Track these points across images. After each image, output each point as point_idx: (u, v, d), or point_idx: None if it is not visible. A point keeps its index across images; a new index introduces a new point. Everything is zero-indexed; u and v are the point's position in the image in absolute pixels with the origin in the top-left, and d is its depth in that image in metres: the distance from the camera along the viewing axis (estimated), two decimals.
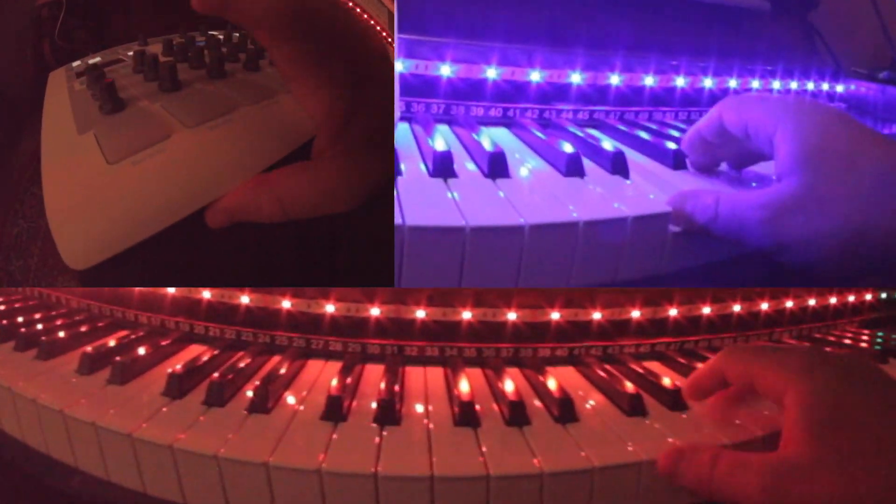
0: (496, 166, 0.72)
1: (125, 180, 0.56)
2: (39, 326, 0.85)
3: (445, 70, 0.94)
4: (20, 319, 0.88)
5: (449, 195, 0.65)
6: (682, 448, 0.54)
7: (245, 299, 0.80)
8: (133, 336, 0.81)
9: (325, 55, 0.58)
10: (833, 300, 1.01)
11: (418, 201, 0.62)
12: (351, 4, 1.23)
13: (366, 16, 1.24)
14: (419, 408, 0.66)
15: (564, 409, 0.63)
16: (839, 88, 1.33)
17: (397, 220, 0.58)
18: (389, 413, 0.62)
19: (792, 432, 0.49)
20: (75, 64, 0.87)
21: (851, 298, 1.04)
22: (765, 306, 0.91)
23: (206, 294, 0.82)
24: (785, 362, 0.53)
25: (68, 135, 0.65)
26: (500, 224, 0.60)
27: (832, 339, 0.98)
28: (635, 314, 0.82)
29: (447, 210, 0.62)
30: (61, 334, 0.80)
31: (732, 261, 0.72)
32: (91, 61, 0.86)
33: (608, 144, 0.82)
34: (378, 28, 1.24)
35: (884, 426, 0.47)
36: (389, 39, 1.23)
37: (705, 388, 0.64)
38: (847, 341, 0.96)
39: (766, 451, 0.50)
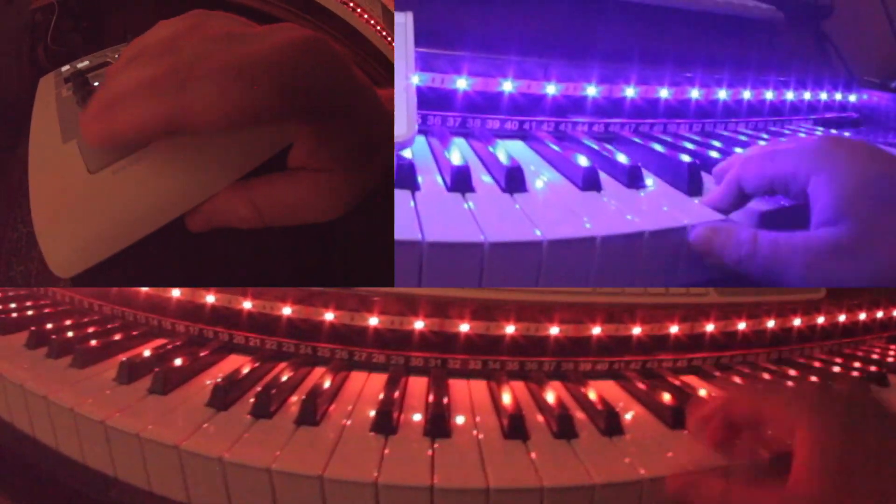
0: (513, 181, 0.72)
1: (106, 189, 0.56)
2: (71, 333, 0.84)
3: (462, 83, 0.93)
4: (51, 325, 0.87)
5: (466, 208, 0.65)
6: (696, 476, 0.53)
7: (287, 310, 0.80)
8: (170, 345, 0.81)
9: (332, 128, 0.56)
10: (862, 316, 1.03)
11: (436, 216, 0.62)
12: (351, 5, 1.23)
13: (359, 10, 1.24)
14: (466, 420, 0.66)
15: (610, 422, 0.64)
16: (852, 98, 1.34)
17: (416, 235, 0.58)
18: (440, 426, 0.62)
19: (802, 471, 0.48)
20: (64, 69, 0.85)
21: (880, 315, 1.06)
22: (797, 322, 0.93)
23: (247, 304, 0.82)
24: (793, 402, 0.51)
25: (54, 143, 0.64)
26: (519, 240, 0.60)
27: (861, 354, 1.00)
28: (673, 329, 0.84)
29: (465, 225, 0.61)
30: (96, 342, 0.79)
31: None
32: (80, 65, 0.85)
33: (623, 158, 0.82)
34: (372, 22, 1.24)
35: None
36: (384, 33, 1.23)
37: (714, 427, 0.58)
38: (875, 356, 0.98)
39: (777, 487, 0.49)
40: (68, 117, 0.69)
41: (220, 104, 0.49)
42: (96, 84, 0.73)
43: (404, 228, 0.59)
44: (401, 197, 0.66)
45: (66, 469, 0.66)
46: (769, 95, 1.17)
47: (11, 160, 0.99)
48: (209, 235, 0.59)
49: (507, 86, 0.96)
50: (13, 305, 0.98)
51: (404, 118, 0.72)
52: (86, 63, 0.85)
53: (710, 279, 0.71)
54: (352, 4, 1.22)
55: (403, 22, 0.86)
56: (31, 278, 0.93)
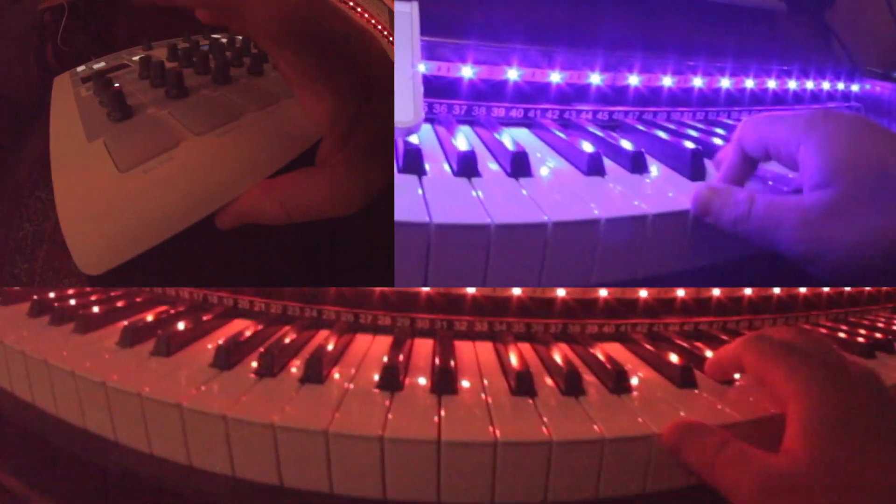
0: (519, 165, 0.73)
1: (137, 188, 0.57)
2: (74, 301, 0.83)
3: (467, 71, 0.94)
4: (53, 294, 0.86)
5: (473, 194, 0.66)
6: (692, 424, 0.54)
7: None
8: (173, 311, 0.81)
9: (328, 64, 0.59)
10: (868, 287, 1.02)
11: (444, 200, 0.63)
12: (351, 4, 1.23)
13: (366, 15, 1.24)
14: (474, 380, 0.65)
15: (619, 381, 0.63)
16: (854, 88, 1.34)
17: (424, 218, 0.58)
18: (446, 382, 0.61)
19: (793, 442, 0.49)
20: (80, 69, 0.87)
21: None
22: (803, 290, 0.93)
23: None
24: (794, 370, 0.52)
25: (78, 142, 0.65)
26: (525, 221, 0.61)
27: (866, 322, 0.99)
28: (680, 293, 0.83)
29: (472, 208, 0.62)
30: (98, 309, 0.79)
31: (748, 258, 0.73)
32: (96, 66, 0.86)
33: (627, 144, 0.82)
34: (379, 28, 1.24)
35: (885, 452, 0.47)
36: (391, 39, 1.24)
37: (725, 370, 0.66)
38: (881, 325, 0.97)
39: (770, 451, 0.50)
40: (91, 117, 0.71)
41: None
42: (117, 85, 0.74)
43: (412, 211, 0.59)
44: (408, 182, 0.66)
45: (66, 435, 0.65)
46: (772, 84, 1.18)
47: (17, 160, 0.99)
48: (223, 236, 0.60)
49: (512, 74, 0.97)
50: None
51: (411, 105, 0.73)
52: (102, 64, 0.86)
53: (713, 263, 0.72)
54: (359, 10, 1.23)
55: (408, 11, 0.86)
56: (36, 276, 0.93)
